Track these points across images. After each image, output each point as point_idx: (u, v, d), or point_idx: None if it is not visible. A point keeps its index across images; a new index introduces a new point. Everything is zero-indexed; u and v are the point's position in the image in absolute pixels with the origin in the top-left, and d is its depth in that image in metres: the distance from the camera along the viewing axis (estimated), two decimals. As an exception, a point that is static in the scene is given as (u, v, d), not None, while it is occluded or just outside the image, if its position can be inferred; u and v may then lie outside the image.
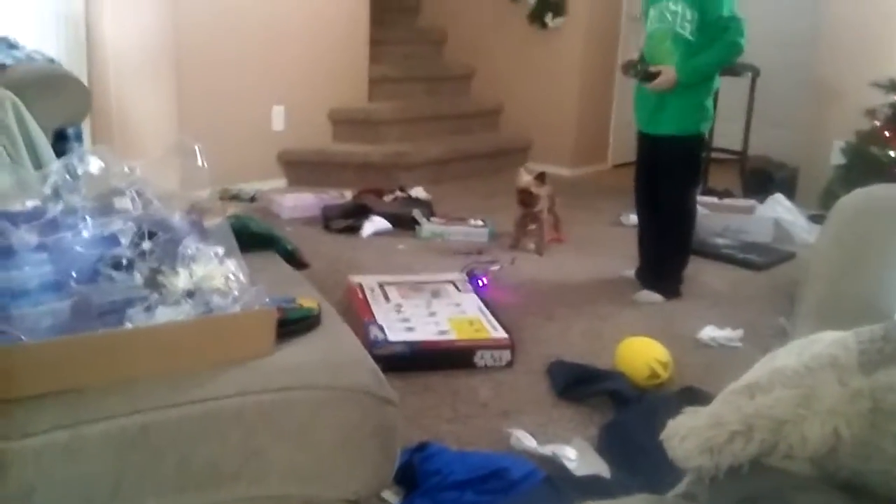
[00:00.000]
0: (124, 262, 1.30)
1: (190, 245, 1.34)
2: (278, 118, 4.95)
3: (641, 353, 2.53)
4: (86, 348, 1.21)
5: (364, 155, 5.06)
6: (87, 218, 1.32)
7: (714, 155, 5.02)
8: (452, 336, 2.66)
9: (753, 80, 4.89)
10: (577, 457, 2.03)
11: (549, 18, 5.51)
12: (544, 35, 5.59)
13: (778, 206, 4.24)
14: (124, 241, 1.32)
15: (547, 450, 2.06)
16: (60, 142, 2.77)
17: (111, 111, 3.80)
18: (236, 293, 1.33)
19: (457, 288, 3.08)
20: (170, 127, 4.09)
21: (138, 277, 1.29)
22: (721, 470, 1.02)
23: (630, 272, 3.45)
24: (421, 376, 2.49)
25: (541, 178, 3.81)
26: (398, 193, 4.51)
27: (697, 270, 3.52)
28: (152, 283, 1.29)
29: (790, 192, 4.55)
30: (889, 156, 3.64)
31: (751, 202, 4.38)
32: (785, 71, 5.31)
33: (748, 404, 1.05)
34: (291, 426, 1.28)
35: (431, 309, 2.86)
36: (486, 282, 3.25)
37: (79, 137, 2.96)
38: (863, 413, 0.99)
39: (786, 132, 5.24)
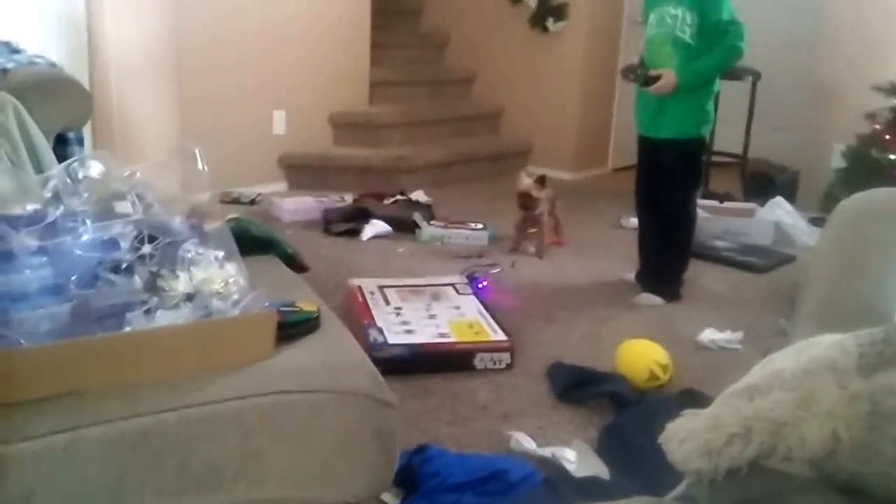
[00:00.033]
0: (124, 265, 1.30)
1: (190, 249, 1.35)
2: (279, 122, 4.95)
3: (641, 356, 2.53)
4: (85, 352, 1.21)
5: (365, 158, 5.06)
6: (88, 222, 1.33)
7: (715, 158, 5.01)
8: (452, 339, 2.66)
9: (754, 84, 4.89)
10: (576, 459, 2.03)
11: (550, 22, 5.51)
12: (545, 39, 5.60)
13: (778, 210, 4.24)
14: (124, 244, 1.32)
15: (546, 452, 2.06)
16: (62, 146, 2.77)
17: (112, 115, 3.80)
18: (236, 297, 1.33)
19: (457, 291, 3.08)
20: (171, 130, 4.10)
21: (138, 281, 1.29)
22: (720, 472, 1.02)
23: (630, 275, 3.45)
24: (420, 379, 2.50)
25: (541, 181, 3.82)
26: (398, 197, 4.51)
27: (698, 273, 3.52)
28: (152, 286, 1.29)
29: (791, 196, 4.55)
30: (889, 159, 3.64)
31: (751, 205, 4.38)
32: (785, 74, 5.31)
33: (747, 407, 1.05)
34: (291, 429, 1.29)
35: (431, 312, 2.86)
36: (486, 285, 3.25)
37: (80, 141, 2.96)
38: (861, 416, 0.99)
39: (786, 135, 5.24)
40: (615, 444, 2.11)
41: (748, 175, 5.04)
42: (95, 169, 1.44)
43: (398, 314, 2.83)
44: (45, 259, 1.26)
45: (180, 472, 1.20)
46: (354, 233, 4.04)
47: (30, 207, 1.35)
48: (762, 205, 4.33)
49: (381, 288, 3.06)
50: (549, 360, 2.65)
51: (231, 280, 1.34)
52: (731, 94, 4.31)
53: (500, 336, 2.69)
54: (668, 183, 3.19)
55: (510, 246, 3.91)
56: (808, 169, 4.71)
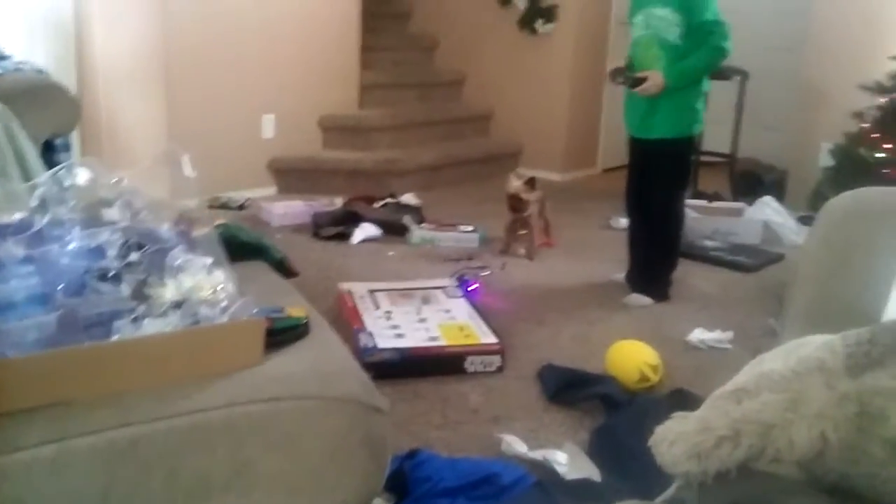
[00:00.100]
0: (111, 273, 1.29)
1: (178, 256, 1.34)
2: (268, 126, 4.94)
3: (631, 357, 2.54)
4: (73, 361, 1.21)
5: (355, 162, 5.06)
6: (75, 230, 1.32)
7: (703, 158, 5.03)
8: (442, 342, 2.66)
9: (742, 84, 4.91)
10: (567, 461, 2.03)
11: (539, 24, 5.52)
12: (534, 41, 5.61)
13: (767, 209, 4.26)
14: (111, 252, 1.31)
15: (538, 454, 2.06)
16: (49, 152, 2.76)
17: (100, 120, 3.79)
18: (224, 304, 1.32)
19: (447, 294, 3.08)
20: (159, 135, 4.08)
21: (125, 289, 1.29)
22: (709, 475, 1.03)
23: (620, 276, 3.46)
24: (411, 383, 2.49)
25: (530, 183, 3.83)
26: (388, 200, 4.51)
27: (686, 273, 3.53)
28: (139, 294, 1.29)
29: (779, 195, 4.57)
30: (877, 157, 3.66)
31: (740, 205, 4.40)
32: (773, 74, 5.34)
33: (735, 409, 1.06)
34: (280, 436, 1.28)
35: (421, 315, 2.86)
36: (476, 287, 3.25)
37: (67, 147, 2.95)
38: (850, 417, 1.00)
39: (774, 135, 5.27)
40: (606, 446, 2.11)
41: (737, 174, 5.06)
42: (82, 176, 1.43)
43: (388, 318, 2.82)
44: (31, 268, 1.25)
45: (170, 482, 1.19)
46: (344, 236, 4.04)
47: (16, 216, 1.34)
48: (751, 204, 4.35)
49: (371, 292, 3.06)
50: (539, 363, 2.65)
51: (219, 287, 1.34)
52: (719, 93, 4.31)
53: (491, 339, 2.69)
54: (657, 183, 3.20)
55: (500, 248, 3.91)
56: (796, 168, 4.74)
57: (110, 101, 3.83)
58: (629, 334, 2.77)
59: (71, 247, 1.30)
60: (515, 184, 3.81)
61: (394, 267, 3.68)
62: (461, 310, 2.93)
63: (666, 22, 3.00)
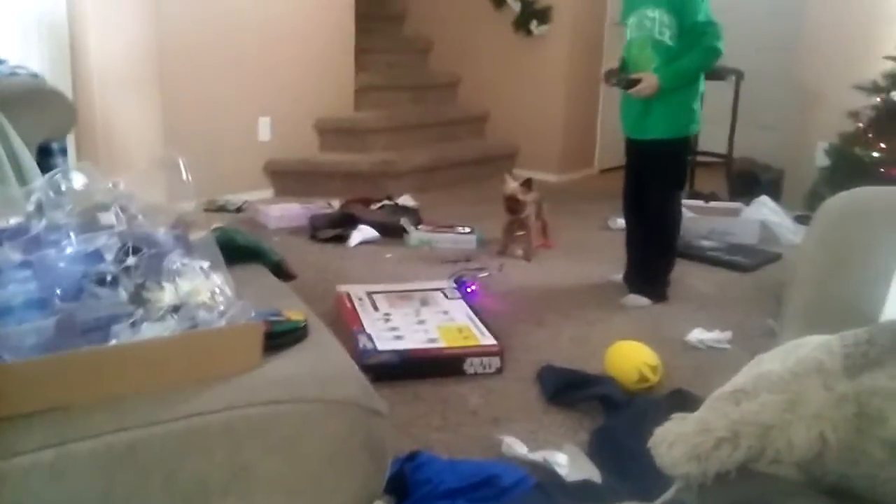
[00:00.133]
0: (109, 278, 1.29)
1: (175, 260, 1.33)
2: (264, 128, 4.94)
3: (630, 358, 2.54)
4: (71, 366, 1.20)
5: (351, 164, 5.06)
6: (71, 234, 1.32)
7: (700, 158, 5.05)
8: (441, 344, 2.66)
9: (738, 84, 4.92)
10: (567, 462, 2.03)
11: (534, 26, 5.53)
12: (529, 42, 5.61)
13: (764, 208, 4.26)
14: (109, 256, 1.31)
15: (538, 456, 2.06)
16: (45, 157, 2.75)
17: (96, 123, 3.78)
18: (222, 307, 1.32)
19: (445, 296, 3.08)
20: (155, 139, 4.07)
21: (123, 293, 1.28)
22: (708, 476, 1.03)
23: (618, 276, 3.46)
24: (410, 385, 2.49)
25: (527, 184, 3.82)
26: (385, 202, 4.51)
27: (684, 273, 3.53)
28: (137, 298, 1.28)
29: (776, 194, 4.58)
30: (872, 156, 3.67)
31: (737, 204, 4.41)
32: (768, 74, 5.35)
33: (734, 410, 1.06)
34: (279, 440, 1.28)
35: (420, 317, 2.86)
36: (474, 289, 3.25)
37: (63, 152, 2.94)
38: (848, 417, 1.00)
39: (770, 135, 5.27)
40: (606, 447, 2.11)
41: (733, 174, 5.07)
42: (79, 180, 1.43)
43: (387, 320, 2.82)
44: (28, 273, 1.25)
45: (168, 486, 1.19)
46: (342, 239, 4.04)
47: (13, 220, 1.34)
48: (747, 204, 4.35)
49: (369, 294, 3.06)
50: (538, 364, 2.65)
51: (217, 291, 1.33)
52: (715, 94, 4.32)
53: (490, 340, 2.69)
54: (653, 184, 3.21)
55: (498, 249, 3.91)
56: (792, 167, 4.75)
57: (106, 104, 3.82)
58: (628, 335, 2.77)
59: (68, 251, 1.30)
60: (512, 185, 3.81)
61: (392, 269, 3.68)
62: (460, 311, 2.93)
63: (658, 23, 3.01)
